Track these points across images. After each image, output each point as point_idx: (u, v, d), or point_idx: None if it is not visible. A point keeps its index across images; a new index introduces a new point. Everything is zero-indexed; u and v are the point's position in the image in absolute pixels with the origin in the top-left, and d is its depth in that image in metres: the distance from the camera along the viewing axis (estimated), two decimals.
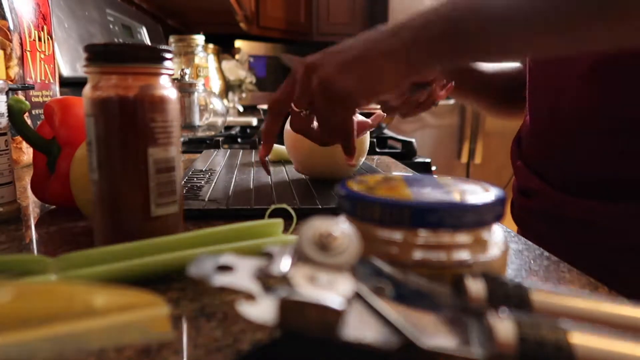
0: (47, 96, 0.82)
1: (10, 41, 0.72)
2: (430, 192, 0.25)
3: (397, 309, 0.19)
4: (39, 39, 0.79)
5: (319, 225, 0.21)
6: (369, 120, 0.56)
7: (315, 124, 0.48)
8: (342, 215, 0.26)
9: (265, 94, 2.79)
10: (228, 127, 1.36)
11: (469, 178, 0.31)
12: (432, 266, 0.23)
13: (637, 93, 0.50)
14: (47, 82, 0.82)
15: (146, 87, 0.31)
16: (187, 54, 1.41)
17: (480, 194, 0.25)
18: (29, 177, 0.66)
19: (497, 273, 0.23)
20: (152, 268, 0.29)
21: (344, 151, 0.47)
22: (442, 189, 0.26)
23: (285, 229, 0.38)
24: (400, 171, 0.76)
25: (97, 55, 0.31)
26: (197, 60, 1.42)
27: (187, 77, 1.08)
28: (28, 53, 0.76)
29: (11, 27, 0.72)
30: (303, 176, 0.62)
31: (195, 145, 1.03)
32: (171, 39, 1.43)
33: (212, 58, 2.03)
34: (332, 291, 0.19)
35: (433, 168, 1.02)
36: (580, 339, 0.18)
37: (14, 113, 0.45)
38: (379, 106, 0.60)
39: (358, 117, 0.56)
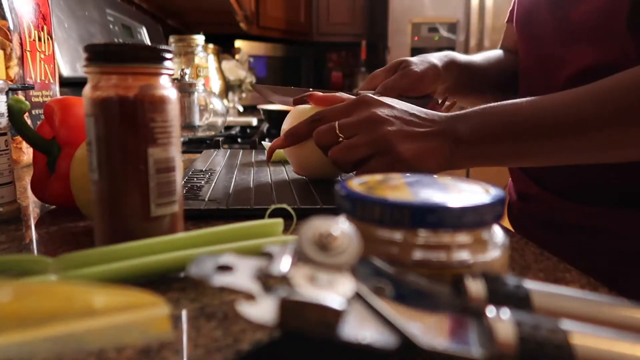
0: (47, 96, 0.82)
1: (10, 41, 0.72)
2: (430, 192, 0.25)
3: (397, 309, 0.19)
4: (39, 39, 0.79)
5: (319, 225, 0.21)
6: None
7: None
8: (342, 215, 0.26)
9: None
10: (228, 127, 1.36)
11: (469, 178, 0.31)
12: (432, 266, 0.23)
13: None
14: (47, 82, 0.82)
15: (146, 87, 0.31)
16: (187, 54, 1.41)
17: (480, 194, 0.25)
18: (29, 177, 0.66)
19: (497, 273, 0.23)
20: (152, 268, 0.29)
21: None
22: (442, 189, 0.26)
23: (285, 229, 0.38)
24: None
25: (97, 55, 0.31)
26: (197, 60, 1.42)
27: (187, 77, 1.08)
28: (28, 53, 0.76)
29: (11, 27, 0.72)
30: (303, 176, 0.62)
31: (195, 145, 1.03)
32: (171, 39, 1.43)
33: (212, 58, 2.03)
34: (332, 291, 0.19)
35: None
36: (580, 339, 0.18)
37: (14, 113, 0.45)
38: None
39: None
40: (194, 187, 0.54)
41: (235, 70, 2.14)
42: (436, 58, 0.65)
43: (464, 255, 0.23)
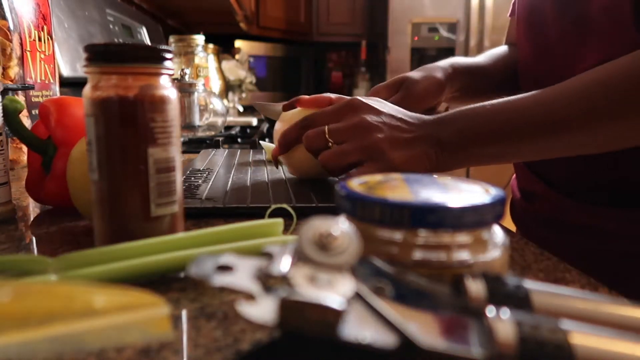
0: (47, 96, 0.82)
1: (10, 41, 0.72)
2: (430, 192, 0.25)
3: (397, 309, 0.19)
4: (39, 39, 0.79)
5: (319, 225, 0.21)
6: None
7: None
8: (342, 215, 0.26)
9: (266, 94, 2.79)
10: (228, 127, 1.36)
11: (469, 178, 0.31)
12: (432, 266, 0.23)
13: None
14: (47, 82, 0.82)
15: (146, 87, 0.31)
16: (187, 54, 1.41)
17: (480, 194, 0.25)
18: None
19: (497, 273, 0.23)
20: (152, 268, 0.29)
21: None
22: (442, 189, 0.26)
23: (285, 228, 0.38)
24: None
25: (97, 55, 0.31)
26: (197, 60, 1.42)
27: (187, 77, 1.08)
28: (28, 53, 0.76)
29: (11, 27, 0.72)
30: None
31: (195, 145, 1.03)
32: (171, 39, 1.43)
33: (212, 58, 2.03)
34: (332, 291, 0.19)
35: None
36: (580, 339, 0.18)
37: (9, 113, 0.45)
38: None
39: None
40: (191, 186, 0.54)
41: (235, 70, 2.14)
42: (439, 70, 0.65)
43: (464, 255, 0.23)
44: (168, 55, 0.33)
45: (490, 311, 0.19)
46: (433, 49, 2.46)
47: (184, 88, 1.06)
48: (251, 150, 0.89)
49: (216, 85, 2.07)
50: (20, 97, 0.74)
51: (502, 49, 0.75)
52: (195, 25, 2.37)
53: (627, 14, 0.48)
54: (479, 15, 2.40)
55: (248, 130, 1.36)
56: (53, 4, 0.89)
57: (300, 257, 0.20)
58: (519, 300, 0.21)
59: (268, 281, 0.20)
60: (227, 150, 0.90)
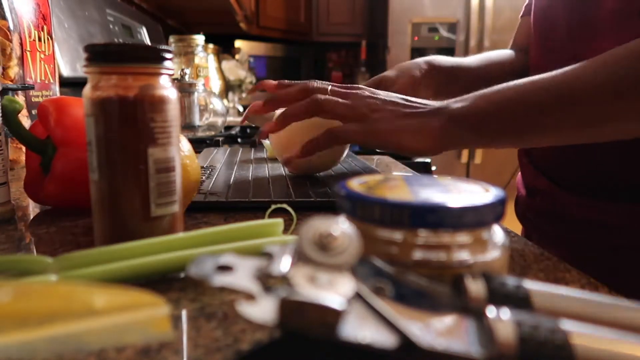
0: (47, 96, 0.82)
1: (10, 41, 0.72)
2: (430, 192, 0.25)
3: (397, 309, 0.19)
4: (39, 39, 0.79)
5: (318, 225, 0.21)
6: None
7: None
8: (342, 215, 0.26)
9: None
10: (228, 127, 1.36)
11: (469, 178, 0.31)
12: (432, 266, 0.23)
13: None
14: (47, 82, 0.82)
15: (146, 87, 0.31)
16: (187, 54, 1.41)
17: (480, 194, 0.25)
18: None
19: (497, 273, 0.23)
20: (152, 268, 0.29)
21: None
22: (442, 189, 0.26)
23: (285, 228, 0.38)
24: (400, 171, 0.76)
25: (97, 55, 0.31)
26: (197, 60, 1.42)
27: (187, 77, 1.08)
28: (28, 53, 0.76)
29: (11, 27, 0.72)
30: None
31: (195, 145, 1.03)
32: (171, 39, 1.43)
33: (212, 58, 2.03)
34: (332, 291, 0.19)
35: (433, 168, 1.02)
36: (580, 339, 0.18)
37: (8, 113, 0.45)
38: None
39: None
40: None
41: (235, 70, 2.14)
42: (415, 67, 0.67)
43: (464, 255, 0.23)
44: (168, 55, 0.33)
45: (490, 311, 0.19)
46: (433, 49, 2.46)
47: (184, 88, 1.06)
48: (252, 150, 0.90)
49: (216, 85, 2.07)
50: (20, 97, 0.74)
51: (504, 53, 0.75)
52: (195, 25, 2.37)
53: (636, 17, 0.48)
54: (479, 15, 2.39)
55: (248, 130, 1.36)
56: (53, 4, 0.89)
57: (300, 257, 0.20)
58: (519, 300, 0.21)
59: (268, 281, 0.20)
60: (229, 149, 0.92)
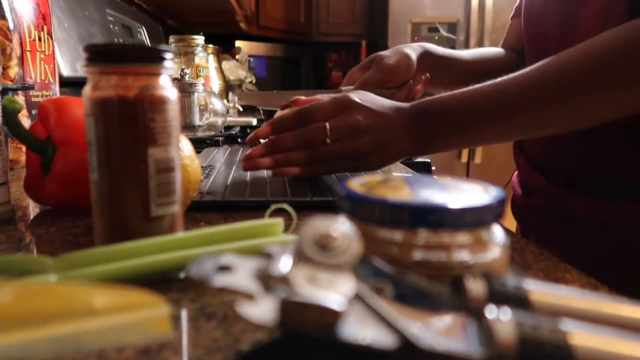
0: (47, 96, 0.82)
1: (10, 41, 0.72)
2: (430, 192, 0.25)
3: (397, 309, 0.19)
4: (39, 39, 0.79)
5: (318, 225, 0.21)
6: None
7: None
8: (342, 215, 0.26)
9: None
10: (228, 127, 1.36)
11: (469, 178, 0.31)
12: (432, 266, 0.23)
13: None
14: (47, 82, 0.82)
15: (146, 87, 0.31)
16: (187, 54, 1.41)
17: (480, 194, 0.25)
18: None
19: (497, 273, 0.23)
20: (152, 268, 0.29)
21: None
22: (442, 189, 0.26)
23: (285, 228, 0.38)
24: (400, 171, 0.76)
25: (97, 55, 0.31)
26: (197, 60, 1.41)
27: (187, 77, 1.08)
28: (28, 53, 0.76)
29: (11, 27, 0.72)
30: None
31: (195, 145, 1.03)
32: (171, 39, 1.43)
33: (212, 58, 2.02)
34: (332, 291, 0.19)
35: (433, 168, 1.02)
36: (580, 339, 0.18)
37: (8, 113, 0.45)
38: None
39: None
40: None
41: (235, 70, 2.14)
42: (410, 48, 0.71)
43: (464, 256, 0.23)
44: (168, 55, 0.33)
45: (490, 311, 0.19)
46: None
47: (184, 88, 1.06)
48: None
49: (216, 85, 2.07)
50: (20, 97, 0.74)
51: (495, 50, 0.76)
52: (195, 25, 2.37)
53: (619, 20, 0.48)
54: (479, 15, 2.40)
55: (248, 130, 1.36)
56: (53, 4, 0.89)
57: (300, 257, 0.20)
58: (519, 300, 0.21)
59: (268, 281, 0.20)
60: (229, 149, 0.92)
